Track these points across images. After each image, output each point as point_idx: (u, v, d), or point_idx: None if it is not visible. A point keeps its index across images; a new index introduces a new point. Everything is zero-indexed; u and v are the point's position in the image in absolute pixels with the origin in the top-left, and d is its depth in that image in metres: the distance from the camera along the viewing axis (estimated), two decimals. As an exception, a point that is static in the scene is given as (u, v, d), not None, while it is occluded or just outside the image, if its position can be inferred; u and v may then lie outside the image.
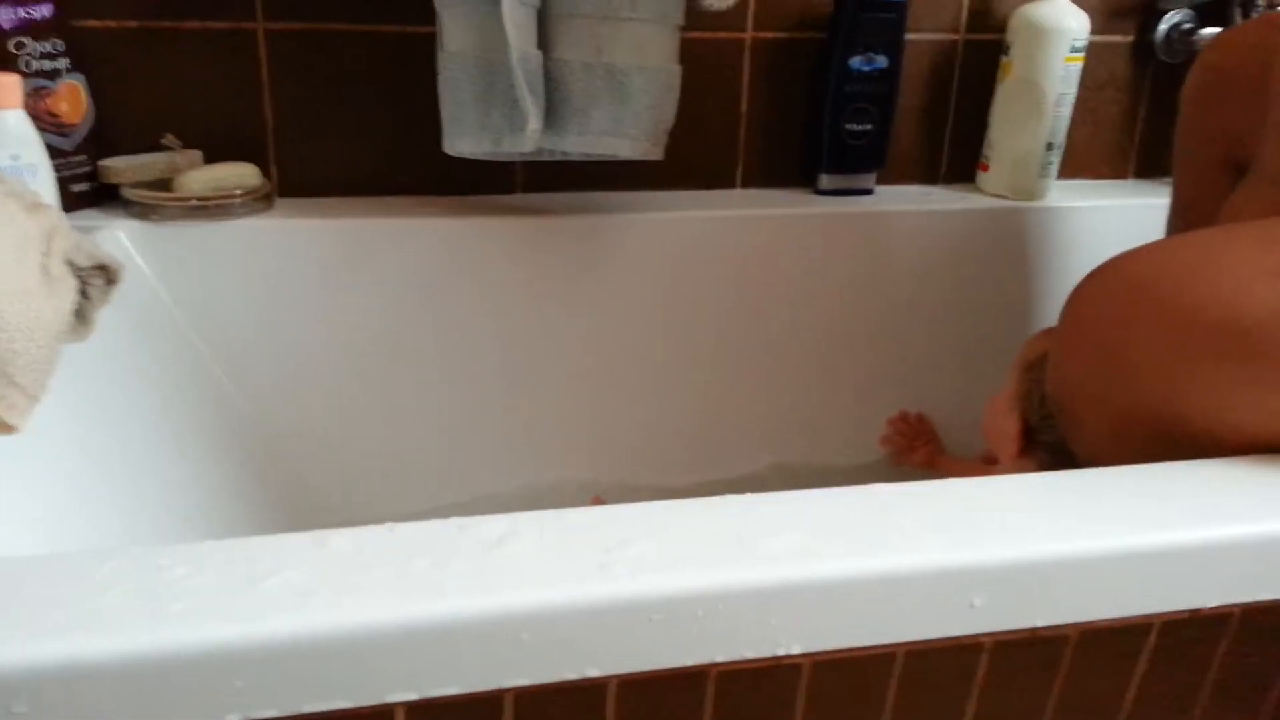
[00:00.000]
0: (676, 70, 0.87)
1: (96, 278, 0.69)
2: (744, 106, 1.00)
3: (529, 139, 0.82)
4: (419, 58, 0.91)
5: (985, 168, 1.06)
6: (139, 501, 0.73)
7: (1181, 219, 0.77)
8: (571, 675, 0.40)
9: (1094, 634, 0.45)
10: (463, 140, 0.85)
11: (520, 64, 0.79)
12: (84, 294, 0.68)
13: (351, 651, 0.38)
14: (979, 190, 1.07)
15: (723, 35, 0.97)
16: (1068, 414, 0.58)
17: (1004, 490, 0.47)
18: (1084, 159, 1.11)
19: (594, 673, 0.40)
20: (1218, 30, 1.04)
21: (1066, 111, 1.02)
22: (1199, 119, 0.72)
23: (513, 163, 0.97)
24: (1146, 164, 1.13)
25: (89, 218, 0.85)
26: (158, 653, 0.36)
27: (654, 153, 0.88)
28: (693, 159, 1.00)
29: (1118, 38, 1.07)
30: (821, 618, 0.41)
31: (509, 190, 0.98)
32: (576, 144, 0.86)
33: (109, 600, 0.38)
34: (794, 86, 1.01)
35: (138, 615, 0.37)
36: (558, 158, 0.88)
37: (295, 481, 0.92)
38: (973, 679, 0.44)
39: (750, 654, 0.41)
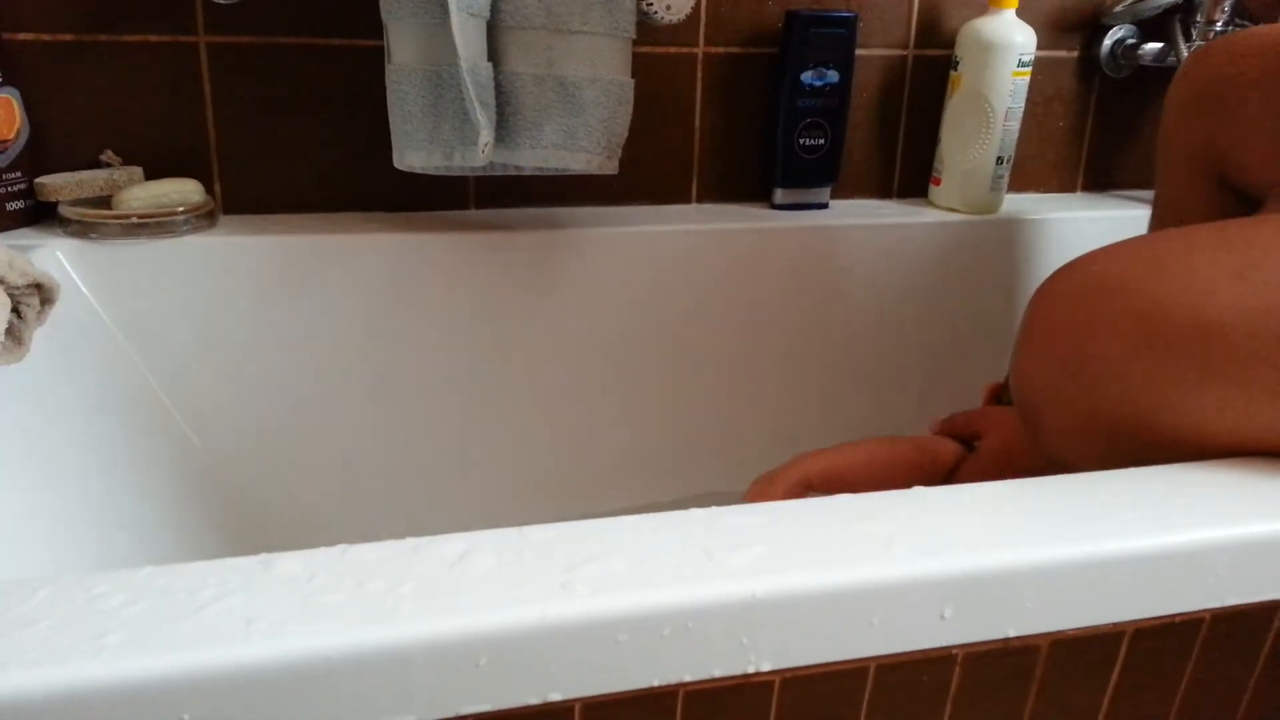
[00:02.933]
0: (629, 83, 0.86)
1: (31, 296, 0.67)
2: (698, 121, 1.00)
3: (481, 153, 0.80)
4: (366, 71, 0.89)
5: (937, 181, 1.06)
6: (75, 530, 0.70)
7: (1162, 225, 0.78)
8: (534, 700, 0.38)
9: (1066, 643, 0.44)
10: (413, 154, 0.84)
11: (470, 76, 0.78)
12: (17, 313, 0.66)
13: (301, 680, 0.36)
14: (932, 204, 1.08)
15: (674, 50, 0.97)
16: (1030, 412, 0.58)
17: (972, 498, 0.46)
18: (1033, 172, 1.13)
19: (557, 696, 0.39)
20: (1160, 45, 1.06)
21: (1015, 125, 1.03)
22: (1183, 127, 0.72)
23: (465, 178, 0.95)
24: (1094, 177, 1.15)
25: (25, 236, 0.82)
26: (94, 686, 0.34)
27: (608, 166, 0.87)
28: (647, 174, 1.00)
29: (1063, 53, 1.09)
30: (791, 633, 0.40)
31: (461, 206, 0.97)
32: (529, 158, 0.85)
33: (39, 631, 0.35)
34: (747, 101, 1.01)
35: (71, 647, 0.35)
36: (510, 172, 0.87)
37: (243, 508, 0.90)
38: (946, 692, 0.43)
39: (719, 672, 0.40)
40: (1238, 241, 0.51)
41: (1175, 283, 0.51)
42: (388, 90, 0.83)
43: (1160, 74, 1.10)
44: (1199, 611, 0.45)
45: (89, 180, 0.84)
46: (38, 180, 0.84)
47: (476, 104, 0.79)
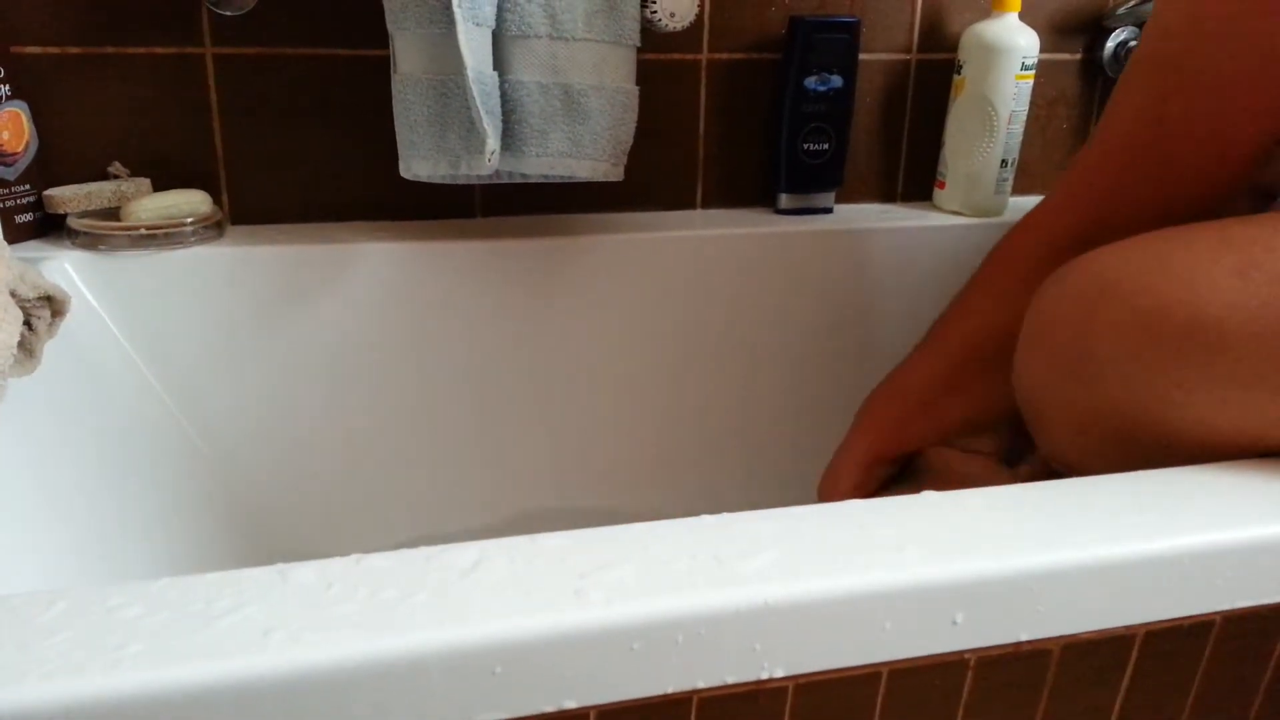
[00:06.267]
0: (634, 90, 0.87)
1: (42, 309, 0.67)
2: (702, 127, 1.00)
3: (487, 161, 0.81)
4: (372, 81, 0.90)
5: (941, 185, 1.07)
6: (89, 542, 0.70)
7: None
8: (548, 708, 0.39)
9: (1077, 647, 0.44)
10: (419, 163, 0.84)
11: (476, 85, 0.78)
12: (29, 326, 0.66)
13: (317, 689, 0.36)
14: (936, 208, 1.08)
15: (678, 57, 0.97)
16: (1033, 412, 0.59)
17: (983, 503, 0.46)
18: (1037, 175, 1.13)
19: (571, 704, 0.39)
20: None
21: (1019, 129, 1.03)
22: None
23: (471, 186, 0.95)
24: (1098, 179, 1.15)
25: (34, 249, 0.83)
26: (113, 697, 0.34)
27: (614, 174, 0.87)
28: (652, 180, 1.00)
29: (1066, 55, 1.09)
30: (804, 638, 0.40)
31: (468, 214, 0.97)
32: (535, 165, 0.85)
33: (58, 643, 0.36)
34: (751, 107, 1.01)
35: (90, 658, 0.35)
36: (516, 180, 0.87)
37: (254, 517, 0.90)
38: (958, 697, 0.44)
39: (733, 679, 0.40)
40: (1238, 239, 0.52)
41: (1176, 281, 0.51)
42: (393, 100, 0.83)
43: (1163, 76, 1.10)
44: (1210, 614, 0.46)
45: (97, 192, 0.85)
46: (46, 193, 0.84)
47: (482, 113, 0.79)
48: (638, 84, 0.87)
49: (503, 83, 0.83)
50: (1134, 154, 0.64)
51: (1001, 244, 0.77)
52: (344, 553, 0.42)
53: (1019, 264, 0.73)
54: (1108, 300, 0.53)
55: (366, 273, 0.89)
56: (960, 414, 0.75)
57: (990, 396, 0.72)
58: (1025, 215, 0.76)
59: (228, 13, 0.84)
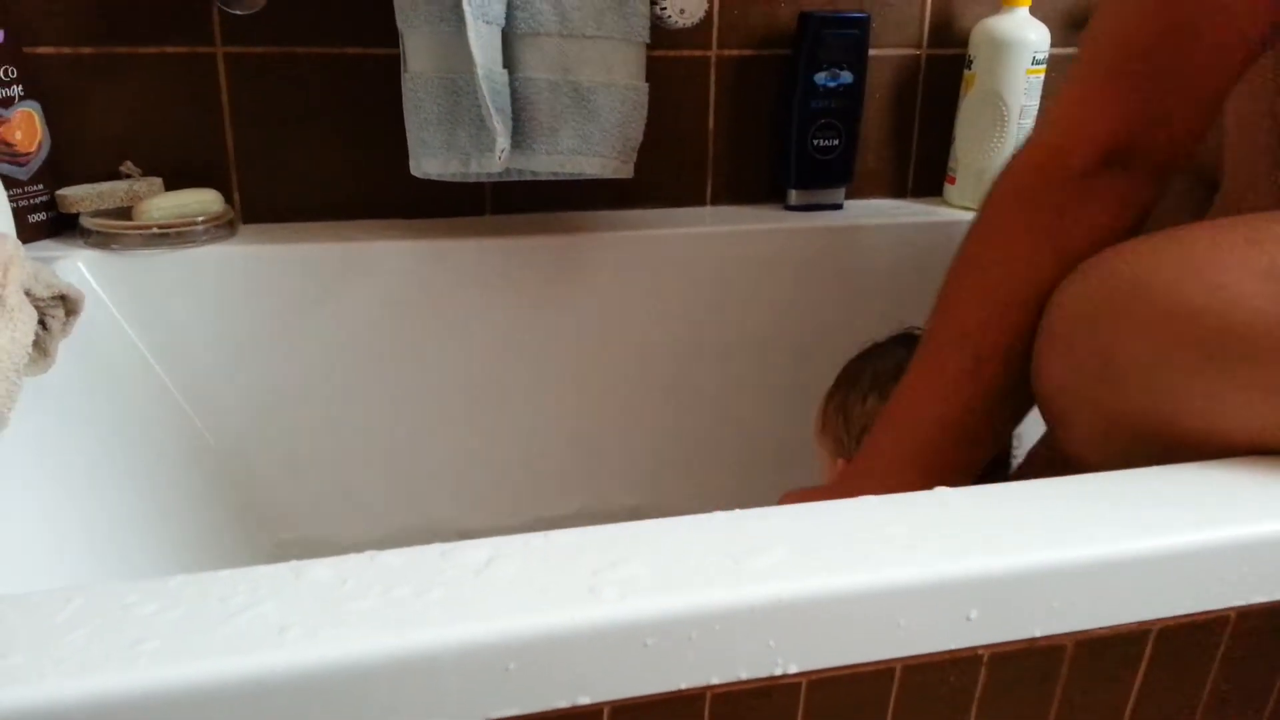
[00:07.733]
0: (643, 87, 0.87)
1: (56, 308, 0.68)
2: (711, 124, 1.00)
3: (497, 159, 0.81)
4: (383, 79, 0.90)
5: (952, 181, 1.06)
6: (103, 538, 0.70)
7: None
8: (562, 703, 0.39)
9: (1091, 643, 0.44)
10: (430, 162, 0.84)
11: (486, 83, 0.78)
12: (43, 325, 0.66)
13: (333, 685, 0.36)
14: (946, 203, 1.07)
15: (688, 53, 0.97)
16: (1054, 413, 0.58)
17: (996, 499, 0.46)
18: (1048, 170, 1.12)
19: (585, 700, 0.39)
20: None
21: (1030, 123, 1.02)
22: None
23: (481, 184, 0.96)
24: (1110, 174, 1.14)
25: (47, 248, 0.83)
26: (130, 694, 0.34)
27: (623, 171, 0.87)
28: (662, 177, 1.00)
29: (1077, 50, 1.08)
30: (817, 635, 0.40)
31: (478, 212, 0.97)
32: (545, 163, 0.85)
33: (75, 640, 0.36)
34: (761, 103, 1.01)
35: (107, 655, 0.35)
36: (526, 177, 0.88)
37: (264, 512, 0.90)
38: (971, 692, 0.43)
39: (746, 675, 0.40)
40: (1266, 239, 0.50)
41: (1204, 284, 0.50)
42: (404, 98, 0.83)
43: (1175, 70, 1.10)
44: (1224, 610, 0.45)
45: (109, 192, 0.85)
46: (59, 192, 0.84)
47: (492, 111, 0.79)
48: (647, 81, 0.87)
49: (512, 80, 0.83)
50: (1145, 37, 0.59)
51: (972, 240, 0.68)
52: (354, 549, 0.42)
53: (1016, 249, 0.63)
54: (1134, 302, 0.52)
55: (377, 271, 0.89)
56: None
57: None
58: (1008, 166, 0.65)
59: (238, 12, 0.84)
